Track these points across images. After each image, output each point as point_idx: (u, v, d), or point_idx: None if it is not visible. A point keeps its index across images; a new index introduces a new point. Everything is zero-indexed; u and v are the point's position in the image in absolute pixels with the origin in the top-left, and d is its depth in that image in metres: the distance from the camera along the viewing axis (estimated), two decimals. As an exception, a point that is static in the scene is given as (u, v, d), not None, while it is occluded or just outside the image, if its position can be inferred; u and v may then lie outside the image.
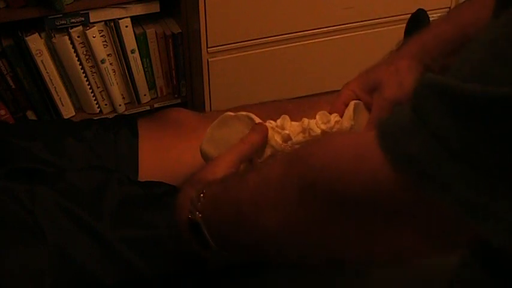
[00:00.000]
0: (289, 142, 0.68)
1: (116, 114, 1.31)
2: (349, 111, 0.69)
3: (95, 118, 1.12)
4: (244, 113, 0.70)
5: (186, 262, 0.82)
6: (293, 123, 0.70)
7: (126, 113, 1.32)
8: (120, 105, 1.31)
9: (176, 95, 1.36)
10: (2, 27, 1.15)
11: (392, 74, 0.71)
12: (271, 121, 0.70)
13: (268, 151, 0.67)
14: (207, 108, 1.40)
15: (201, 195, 0.56)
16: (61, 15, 1.14)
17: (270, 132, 0.67)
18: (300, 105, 1.11)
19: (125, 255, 0.76)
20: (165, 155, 0.99)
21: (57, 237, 0.75)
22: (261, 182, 0.49)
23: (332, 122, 0.69)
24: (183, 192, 0.61)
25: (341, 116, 0.70)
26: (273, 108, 1.10)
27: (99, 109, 1.31)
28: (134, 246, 0.77)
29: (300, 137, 0.68)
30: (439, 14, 1.47)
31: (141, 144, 0.98)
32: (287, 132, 0.68)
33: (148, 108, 1.34)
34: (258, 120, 0.68)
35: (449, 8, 1.51)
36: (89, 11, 1.16)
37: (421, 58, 0.72)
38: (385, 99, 0.70)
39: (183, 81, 1.33)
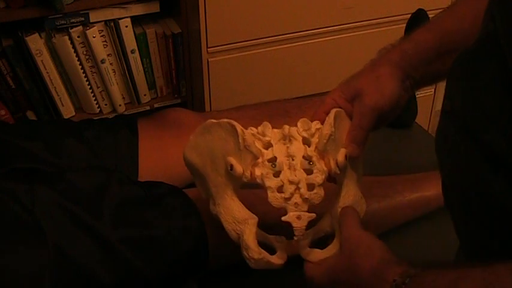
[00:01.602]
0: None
1: (116, 114, 1.31)
2: (330, 118, 0.69)
3: (95, 118, 1.12)
4: (225, 120, 0.69)
5: (186, 262, 0.82)
6: (274, 130, 0.70)
7: (126, 113, 1.32)
8: (120, 105, 1.31)
9: (176, 95, 1.36)
10: (2, 27, 1.14)
11: (373, 81, 0.71)
12: (253, 128, 0.70)
13: (248, 157, 0.67)
14: (207, 108, 1.40)
15: (403, 285, 0.53)
16: (61, 15, 1.14)
17: (251, 138, 0.68)
18: (300, 105, 1.11)
19: (125, 255, 0.77)
20: (165, 155, 0.99)
21: (57, 237, 0.75)
22: None
23: (313, 129, 0.69)
24: (374, 276, 0.57)
25: (322, 124, 0.70)
26: (273, 108, 1.10)
27: (99, 109, 1.31)
28: (134, 246, 0.77)
29: (280, 144, 0.69)
30: (439, 14, 1.47)
31: (141, 144, 0.98)
32: (268, 138, 0.69)
33: (148, 108, 1.34)
34: (239, 127, 0.68)
35: (449, 8, 1.51)
36: (89, 11, 1.16)
37: (402, 66, 0.72)
38: (366, 106, 0.70)
39: (183, 81, 1.33)
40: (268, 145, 0.69)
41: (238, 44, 1.35)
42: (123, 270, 0.77)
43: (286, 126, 0.69)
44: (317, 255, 0.67)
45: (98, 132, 0.97)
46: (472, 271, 0.47)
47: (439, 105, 1.73)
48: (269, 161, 0.67)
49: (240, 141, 0.67)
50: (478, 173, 0.51)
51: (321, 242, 0.70)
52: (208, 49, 1.32)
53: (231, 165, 0.67)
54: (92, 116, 1.28)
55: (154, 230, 0.80)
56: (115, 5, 1.18)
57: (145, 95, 1.33)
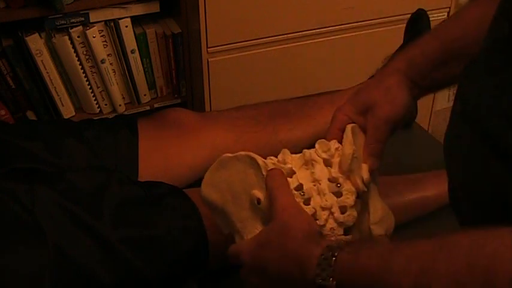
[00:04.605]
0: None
1: (116, 114, 1.31)
2: (348, 136, 0.67)
3: (95, 118, 1.12)
4: (243, 153, 0.68)
5: (186, 262, 0.82)
6: (293, 156, 0.68)
7: (126, 113, 1.32)
8: (120, 105, 1.31)
9: (176, 95, 1.36)
10: (2, 27, 1.15)
11: (383, 92, 0.70)
12: (272, 157, 0.68)
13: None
14: (207, 108, 1.40)
15: (333, 258, 0.53)
16: (61, 15, 1.14)
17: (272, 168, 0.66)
18: (301, 105, 1.11)
19: (125, 255, 0.77)
20: (165, 155, 0.99)
21: (57, 237, 0.75)
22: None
23: (332, 150, 0.68)
24: (303, 247, 0.57)
25: (339, 142, 0.69)
26: (274, 108, 1.10)
27: (99, 109, 1.31)
28: (134, 246, 0.77)
29: (303, 169, 0.67)
30: (439, 14, 1.48)
31: (141, 144, 0.98)
32: (289, 166, 0.67)
33: (148, 108, 1.34)
34: (260, 159, 0.66)
35: (449, 8, 1.51)
36: (89, 11, 1.16)
37: (409, 74, 0.71)
38: (380, 119, 0.69)
39: (183, 81, 1.33)
40: (291, 172, 0.67)
41: (238, 44, 1.35)
42: (123, 270, 0.77)
43: (306, 151, 0.68)
44: None
45: (98, 132, 0.97)
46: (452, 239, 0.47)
47: (439, 105, 1.73)
48: (296, 189, 0.65)
49: (264, 173, 0.65)
50: (493, 175, 0.50)
51: None
52: (208, 49, 1.32)
53: (258, 199, 0.65)
54: (92, 116, 1.28)
55: (154, 230, 0.80)
56: (115, 5, 1.18)
57: (145, 95, 1.33)
